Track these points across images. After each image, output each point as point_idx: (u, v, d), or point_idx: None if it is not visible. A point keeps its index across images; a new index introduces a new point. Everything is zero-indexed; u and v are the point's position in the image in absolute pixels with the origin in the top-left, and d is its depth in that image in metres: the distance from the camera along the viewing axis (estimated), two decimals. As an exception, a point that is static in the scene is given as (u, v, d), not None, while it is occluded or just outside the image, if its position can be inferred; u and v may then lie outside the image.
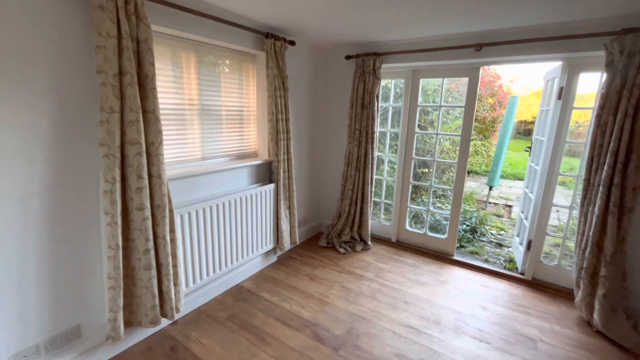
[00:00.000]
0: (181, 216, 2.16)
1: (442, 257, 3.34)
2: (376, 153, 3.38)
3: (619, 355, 2.09)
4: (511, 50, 2.57)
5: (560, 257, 2.83)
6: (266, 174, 2.97)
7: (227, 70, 2.62)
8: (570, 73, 2.50)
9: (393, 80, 3.52)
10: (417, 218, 4.26)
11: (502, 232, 4.53)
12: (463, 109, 3.05)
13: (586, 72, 2.46)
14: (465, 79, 2.99)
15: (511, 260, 3.50)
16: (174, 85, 2.24)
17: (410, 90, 3.26)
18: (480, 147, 7.18)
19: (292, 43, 2.84)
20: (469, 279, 2.97)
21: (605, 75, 2.19)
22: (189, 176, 2.27)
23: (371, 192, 3.44)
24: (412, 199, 4.85)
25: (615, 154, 2.16)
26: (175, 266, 2.02)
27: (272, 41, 2.61)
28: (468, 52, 2.74)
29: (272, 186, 2.88)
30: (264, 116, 2.88)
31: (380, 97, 3.25)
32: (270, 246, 3.01)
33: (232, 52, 2.62)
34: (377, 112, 3.25)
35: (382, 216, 3.80)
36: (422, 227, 3.61)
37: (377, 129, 3.31)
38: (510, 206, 5.81)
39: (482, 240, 4.12)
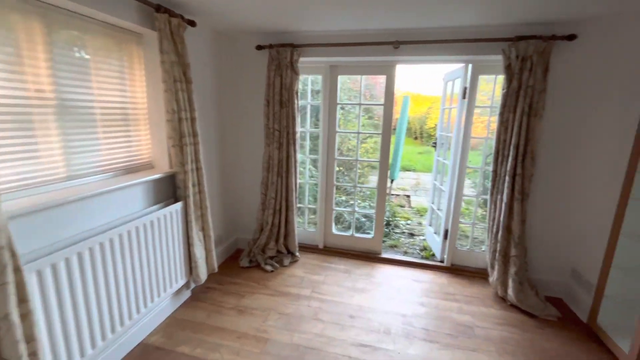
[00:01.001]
0: (39, 273, 1.39)
1: (371, 257, 3.30)
2: (299, 155, 3.08)
3: (532, 323, 2.37)
4: (426, 50, 2.65)
5: (472, 241, 3.13)
6: (169, 190, 2.30)
7: (99, 52, 1.86)
8: (474, 74, 2.73)
9: (310, 77, 3.27)
10: (339, 220, 4.17)
11: (409, 222, 4.89)
12: (382, 107, 3.03)
13: (484, 74, 2.73)
14: (383, 77, 2.97)
15: (425, 248, 3.74)
16: (4, 67, 1.42)
17: (329, 87, 3.07)
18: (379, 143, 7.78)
19: (192, 23, 2.26)
20: (400, 276, 3.00)
21: (504, 77, 2.44)
22: (48, 207, 1.49)
23: (296, 198, 3.13)
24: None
25: (516, 147, 2.43)
26: (34, 354, 1.28)
27: (167, 17, 1.99)
28: (386, 49, 2.71)
29: (178, 205, 2.25)
30: (159, 115, 2.21)
31: (299, 94, 2.95)
32: (181, 282, 2.36)
33: (106, 27, 1.88)
34: (298, 110, 2.94)
35: (307, 222, 3.54)
36: (348, 229, 3.52)
37: (299, 128, 3.01)
38: (408, 196, 6.41)
39: (397, 233, 4.33)
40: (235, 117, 3.20)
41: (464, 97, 2.82)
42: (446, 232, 3.11)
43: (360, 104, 3.17)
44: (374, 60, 2.90)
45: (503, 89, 2.45)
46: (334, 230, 3.45)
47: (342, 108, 4.40)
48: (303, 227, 3.50)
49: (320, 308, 2.47)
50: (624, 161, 2.13)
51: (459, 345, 2.12)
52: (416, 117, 14.35)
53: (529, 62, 2.31)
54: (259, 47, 2.88)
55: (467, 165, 2.94)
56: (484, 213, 3.08)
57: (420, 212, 5.40)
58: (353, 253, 3.34)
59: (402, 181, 7.71)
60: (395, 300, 2.61)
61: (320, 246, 3.43)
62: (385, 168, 3.16)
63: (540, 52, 2.29)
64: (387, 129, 3.06)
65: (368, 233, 3.53)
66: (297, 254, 3.22)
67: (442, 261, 3.20)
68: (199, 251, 2.42)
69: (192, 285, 2.59)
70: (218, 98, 2.90)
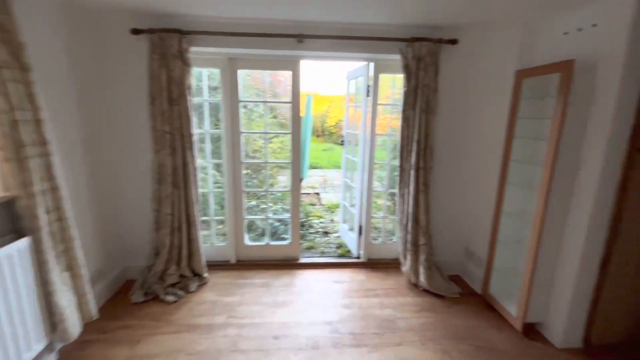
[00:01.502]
0: None
1: (289, 264, 3.11)
2: (198, 161, 2.65)
3: (442, 304, 2.58)
4: (331, 46, 2.57)
5: (384, 234, 3.26)
6: (5, 223, 1.63)
7: None
8: (376, 73, 2.79)
9: (205, 70, 2.84)
10: (251, 228, 3.83)
11: (322, 220, 4.90)
12: (290, 105, 2.85)
13: (385, 73, 2.82)
14: (289, 73, 2.79)
15: (340, 245, 3.77)
16: None
17: (229, 83, 2.72)
18: (285, 143, 7.60)
19: (25, -12, 1.62)
20: (321, 279, 2.90)
21: (404, 76, 2.55)
22: None
23: (199, 211, 2.69)
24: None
25: (418, 142, 2.58)
26: None
27: (-27, -29, 1.35)
28: (290, 42, 2.53)
29: (23, 243, 1.60)
30: (-23, 117, 1.52)
31: (193, 90, 2.52)
32: (38, 347, 1.71)
33: None
34: (193, 108, 2.51)
35: (215, 236, 3.12)
36: (262, 237, 3.25)
37: (196, 130, 2.58)
38: (318, 193, 6.47)
39: (312, 233, 4.26)
40: (110, 118, 2.54)
41: (367, 95, 2.87)
42: (360, 228, 3.16)
43: (265, 102, 2.92)
44: (278, 54, 2.69)
45: (404, 87, 2.57)
46: (247, 241, 3.12)
47: (245, 107, 4.07)
48: (210, 243, 3.07)
49: (239, 335, 2.15)
50: (501, 150, 2.47)
51: (386, 343, 2.12)
52: (317, 116, 14.81)
53: (423, 62, 2.46)
54: (136, 31, 2.33)
55: (375, 162, 3.02)
56: (392, 205, 3.24)
57: (332, 209, 5.49)
58: (270, 263, 3.09)
59: (310, 179, 7.78)
60: (319, 307, 2.48)
61: (233, 261, 3.07)
62: (297, 168, 3.01)
63: (431, 53, 2.47)
64: (297, 128, 2.90)
65: (284, 239, 3.33)
66: (206, 274, 2.79)
67: (358, 257, 3.24)
68: (65, 299, 1.80)
69: (60, 346, 1.92)
70: (79, 93, 2.23)
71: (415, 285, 2.81)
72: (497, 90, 2.54)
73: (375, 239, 3.30)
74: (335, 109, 14.93)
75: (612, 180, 1.90)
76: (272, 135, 4.86)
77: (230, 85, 2.73)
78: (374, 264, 3.15)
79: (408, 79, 2.52)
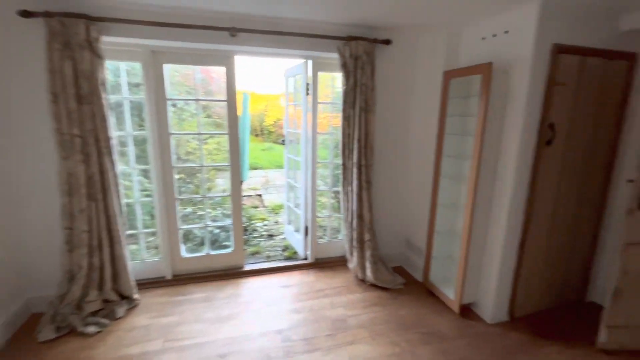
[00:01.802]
0: None
1: (233, 273, 2.92)
2: (120, 167, 2.31)
3: (388, 296, 2.66)
4: (267, 41, 2.45)
5: (330, 233, 3.25)
6: None
7: None
8: (315, 71, 2.75)
9: (123, 64, 2.48)
10: (188, 238, 3.50)
11: (266, 222, 4.74)
12: (226, 103, 2.66)
13: (323, 71, 2.80)
14: (223, 69, 2.59)
15: (287, 247, 3.68)
16: None
17: (154, 79, 2.43)
18: (222, 144, 7.18)
19: None
20: (267, 286, 2.78)
21: (342, 75, 2.56)
22: None
23: (123, 225, 2.36)
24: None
25: (359, 140, 2.62)
26: None
27: None
28: (223, 36, 2.34)
29: None
30: None
31: (108, 86, 2.18)
32: None
33: None
34: (108, 107, 2.17)
35: (146, 250, 2.77)
36: (201, 247, 2.99)
37: (114, 132, 2.24)
38: (260, 195, 6.26)
39: (256, 237, 4.09)
40: (1, 120, 2.07)
41: (307, 94, 2.82)
42: (306, 228, 3.11)
43: (197, 100, 2.68)
44: (209, 49, 2.48)
45: (343, 86, 2.57)
46: (184, 253, 2.85)
47: (174, 105, 3.70)
48: (140, 259, 2.72)
49: (180, 359, 1.94)
50: (434, 146, 2.63)
51: (339, 343, 2.10)
52: (255, 115, 14.42)
53: (360, 61, 2.50)
54: (27, 14, 1.92)
55: (318, 160, 2.99)
56: (336, 203, 3.26)
57: (275, 210, 5.35)
58: (212, 275, 2.86)
59: (251, 180, 7.50)
60: (268, 316, 2.37)
61: (169, 276, 2.76)
62: (237, 170, 2.83)
63: (367, 52, 2.51)
64: (234, 127, 2.72)
65: (226, 247, 3.13)
66: (136, 296, 2.46)
67: (305, 258, 3.19)
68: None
69: None
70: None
71: (362, 281, 2.86)
72: (429, 90, 2.70)
73: (321, 238, 3.28)
74: (273, 108, 14.70)
75: (525, 170, 2.14)
76: (207, 136, 4.52)
77: (155, 82, 2.44)
78: (322, 264, 3.13)
79: (347, 77, 2.54)
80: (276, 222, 4.77)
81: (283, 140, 3.47)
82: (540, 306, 2.50)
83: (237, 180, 2.84)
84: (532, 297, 2.43)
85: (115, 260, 2.34)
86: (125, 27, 2.14)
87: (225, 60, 2.56)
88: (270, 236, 4.17)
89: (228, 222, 2.99)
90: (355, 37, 2.45)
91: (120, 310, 2.31)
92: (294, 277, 2.93)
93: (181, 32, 2.25)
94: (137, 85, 2.64)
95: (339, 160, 2.78)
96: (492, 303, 2.33)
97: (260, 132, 14.60)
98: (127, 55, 2.36)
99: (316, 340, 2.13)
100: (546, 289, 2.47)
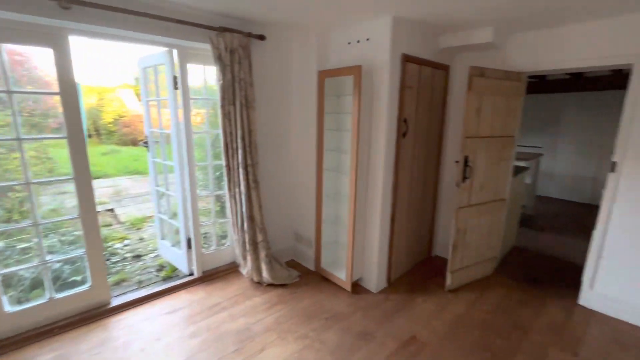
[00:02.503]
0: None
1: (97, 314, 2.30)
2: None
3: (287, 292, 2.69)
4: (116, 21, 1.97)
5: (216, 240, 2.98)
6: None
7: None
8: (182, 62, 2.41)
9: None
10: (11, 284, 2.49)
11: (127, 242, 3.94)
12: (59, 97, 2.00)
13: (193, 63, 2.49)
14: (49, 51, 1.93)
15: (163, 266, 3.18)
16: None
17: None
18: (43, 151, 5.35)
19: None
20: (149, 318, 2.33)
21: (218, 69, 2.34)
22: None
23: None
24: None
25: (243, 139, 2.49)
26: None
27: None
28: (50, 7, 1.74)
29: None
30: None
31: None
32: None
33: None
34: None
35: None
36: (39, 293, 2.21)
37: None
38: (112, 210, 5.13)
39: (116, 262, 3.34)
40: None
41: (176, 88, 2.46)
42: (189, 240, 2.75)
43: (9, 92, 1.91)
44: (27, 21, 1.80)
45: (219, 81, 2.36)
46: (8, 307, 2.03)
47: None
48: None
49: None
50: (315, 141, 2.78)
51: (249, 355, 1.99)
52: (86, 112, 11.57)
53: (237, 55, 2.35)
54: None
55: (196, 163, 2.67)
56: (218, 208, 3.01)
57: (136, 225, 4.51)
58: (65, 324, 2.17)
59: (96, 193, 6.02)
60: (159, 353, 1.99)
61: (-16, 346, 1.92)
62: (86, 183, 2.21)
63: (243, 47, 2.39)
64: (77, 127, 2.09)
65: (79, 283, 2.42)
66: None
67: (191, 274, 2.83)
68: None
69: None
70: None
71: (259, 284, 2.78)
72: (305, 87, 2.82)
73: (206, 249, 2.98)
74: (110, 103, 12.24)
75: (391, 159, 2.55)
76: (12, 141, 3.26)
77: None
78: (211, 276, 2.86)
79: (223, 71, 2.34)
80: (141, 239, 4.03)
81: (145, 142, 2.92)
82: (406, 268, 3.07)
83: (89, 196, 2.22)
84: (401, 262, 2.95)
85: None
86: None
87: (54, 39, 1.92)
88: (137, 257, 3.49)
89: (79, 251, 2.30)
90: (229, 29, 2.28)
91: None
92: (181, 299, 2.56)
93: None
94: None
95: (221, 162, 2.57)
96: (375, 275, 2.70)
97: (95, 133, 11.86)
98: None
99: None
100: (408, 253, 3.05)
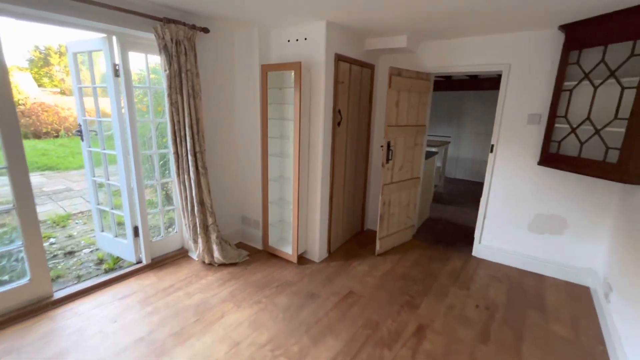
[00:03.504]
0: None
1: (40, 307, 2.23)
2: None
3: (239, 270, 2.91)
4: (51, 5, 1.93)
5: (163, 228, 3.04)
6: None
7: None
8: (123, 50, 2.41)
9: None
10: None
11: (53, 240, 3.67)
12: (-14, 81, 1.89)
13: (135, 51, 2.50)
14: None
15: (102, 260, 3.12)
16: None
17: None
18: None
19: None
20: (101, 304, 2.35)
21: (164, 59, 2.42)
22: None
23: None
24: None
25: (191, 127, 2.61)
26: None
27: None
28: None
29: None
30: None
31: None
32: None
33: None
34: None
35: None
36: (-31, 291, 2.07)
37: None
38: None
39: (47, 260, 3.13)
40: None
41: (117, 76, 2.45)
42: (136, 229, 2.77)
43: None
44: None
45: (165, 70, 2.44)
46: None
47: None
48: None
49: None
50: (260, 129, 3.02)
51: (210, 322, 2.19)
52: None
53: (182, 46, 2.45)
54: None
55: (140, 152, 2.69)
56: (163, 196, 3.05)
57: (59, 223, 4.18)
58: (4, 320, 2.07)
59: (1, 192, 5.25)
60: (119, 333, 2.07)
61: None
62: (22, 173, 2.12)
63: (188, 38, 2.49)
64: (8, 116, 2.00)
65: (16, 278, 2.30)
66: None
67: (139, 262, 2.86)
68: None
69: None
70: None
71: (210, 265, 2.95)
72: (250, 79, 3.02)
73: (153, 237, 3.01)
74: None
75: (327, 145, 2.93)
76: None
77: None
78: (160, 262, 2.92)
79: (169, 62, 2.42)
80: (70, 236, 3.79)
81: (79, 131, 2.80)
82: (343, 240, 3.54)
83: (25, 186, 2.13)
84: (339, 235, 3.40)
85: None
86: None
87: (-22, 19, 1.81)
88: (70, 253, 3.33)
89: (15, 245, 2.20)
90: (172, 20, 2.37)
91: None
92: (132, 285, 2.60)
93: None
94: None
95: (166, 149, 2.64)
96: (317, 247, 3.09)
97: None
98: None
99: (185, 330, 2.12)
100: (345, 227, 3.52)
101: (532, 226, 2.98)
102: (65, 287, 2.50)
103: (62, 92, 13.92)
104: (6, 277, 2.47)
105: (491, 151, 3.09)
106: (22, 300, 2.20)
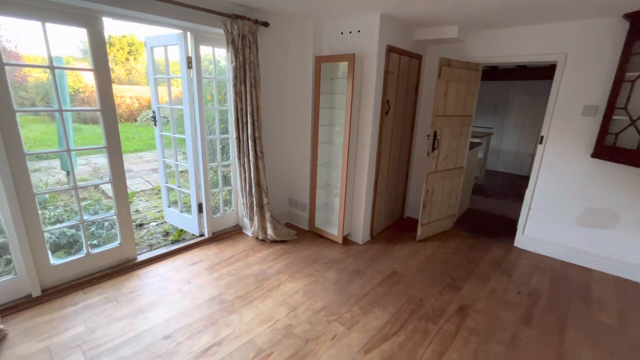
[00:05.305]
0: None
1: (128, 267, 2.63)
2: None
3: (289, 246, 3.18)
4: (140, 5, 2.22)
5: (222, 206, 3.37)
6: None
7: None
8: (196, 44, 2.69)
9: None
10: (59, 245, 2.70)
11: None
12: (92, 73, 2.24)
13: (204, 45, 2.78)
14: (82, 31, 2.15)
15: (168, 232, 3.51)
16: None
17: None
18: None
19: None
20: (175, 268, 2.71)
21: (231, 52, 2.67)
22: None
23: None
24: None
25: (252, 115, 2.86)
26: None
27: None
28: (92, -9, 1.97)
29: None
30: None
31: None
32: None
33: None
34: None
35: (-10, 271, 2.07)
36: (78, 250, 2.50)
37: None
38: (97, 186, 5.18)
39: (122, 230, 3.59)
40: None
41: (189, 67, 2.74)
42: (200, 205, 3.11)
43: (54, 68, 2.12)
44: (66, 3, 2.01)
45: (231, 63, 2.69)
46: (53, 261, 2.32)
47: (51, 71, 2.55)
48: (-16, 282, 2.03)
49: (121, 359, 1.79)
50: (311, 118, 3.22)
51: (269, 289, 2.47)
52: (36, 86, 10.71)
53: (247, 40, 2.69)
54: None
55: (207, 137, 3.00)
56: (223, 177, 3.37)
57: (128, 199, 4.67)
58: (100, 275, 2.49)
59: (79, 170, 5.95)
60: (193, 291, 2.41)
61: (35, 294, 2.21)
62: (117, 152, 2.48)
63: (252, 32, 2.72)
64: (109, 100, 2.35)
65: (110, 241, 2.71)
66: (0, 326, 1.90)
67: (201, 235, 3.21)
68: None
69: None
70: None
71: (263, 241, 3.24)
72: (303, 70, 3.21)
73: (214, 213, 3.36)
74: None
75: (375, 133, 3.07)
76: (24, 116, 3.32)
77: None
78: (219, 236, 3.26)
79: (236, 55, 2.67)
80: (136, 211, 4.26)
81: (153, 117, 3.16)
82: (385, 225, 3.70)
83: (119, 164, 2.50)
84: (381, 220, 3.57)
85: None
86: None
87: (88, 20, 2.14)
88: (140, 225, 3.77)
89: (109, 213, 2.60)
90: (240, 16, 2.60)
91: (-12, 347, 1.76)
92: (197, 254, 2.95)
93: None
94: None
95: (228, 135, 2.92)
96: (361, 230, 3.28)
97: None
98: None
99: (249, 294, 2.41)
100: (386, 213, 3.67)
101: (580, 219, 2.96)
102: (143, 252, 2.90)
103: (113, 81, 15.03)
104: (95, 242, 2.93)
105: (540, 142, 3.07)
106: (114, 260, 2.61)
